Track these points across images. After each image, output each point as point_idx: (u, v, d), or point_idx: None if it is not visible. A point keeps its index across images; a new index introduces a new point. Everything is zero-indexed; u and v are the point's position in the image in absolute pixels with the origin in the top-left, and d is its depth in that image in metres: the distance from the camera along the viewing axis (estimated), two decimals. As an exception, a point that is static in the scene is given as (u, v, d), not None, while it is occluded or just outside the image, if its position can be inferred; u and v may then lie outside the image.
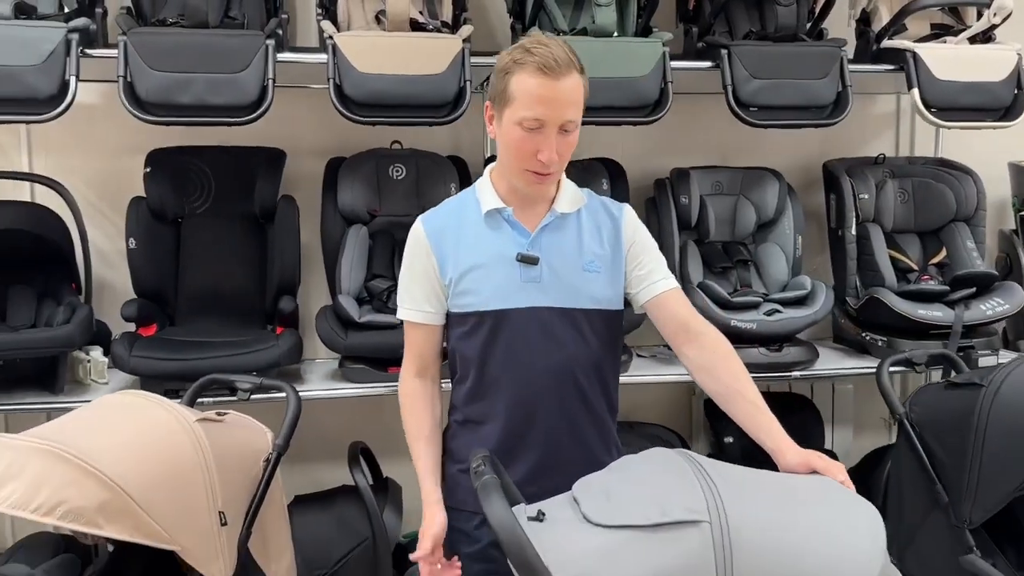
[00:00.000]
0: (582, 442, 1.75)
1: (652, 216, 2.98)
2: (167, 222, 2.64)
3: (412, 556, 1.76)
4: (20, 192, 2.71)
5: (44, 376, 2.38)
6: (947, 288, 2.72)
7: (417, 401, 1.83)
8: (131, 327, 2.52)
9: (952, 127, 2.75)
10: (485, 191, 1.78)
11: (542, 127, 1.62)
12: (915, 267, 2.92)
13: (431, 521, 1.76)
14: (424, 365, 1.83)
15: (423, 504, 1.78)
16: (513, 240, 1.74)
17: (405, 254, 1.81)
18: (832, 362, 2.86)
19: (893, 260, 2.91)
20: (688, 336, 1.71)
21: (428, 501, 1.77)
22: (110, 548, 2.08)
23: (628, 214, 1.85)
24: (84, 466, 1.60)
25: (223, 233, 2.68)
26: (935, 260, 2.94)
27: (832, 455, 2.99)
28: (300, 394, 2.13)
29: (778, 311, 2.68)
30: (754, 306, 2.68)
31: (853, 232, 2.89)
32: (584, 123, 2.57)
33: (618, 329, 1.82)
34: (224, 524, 1.78)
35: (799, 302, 2.73)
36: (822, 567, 1.19)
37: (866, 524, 1.29)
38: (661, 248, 2.88)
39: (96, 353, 2.51)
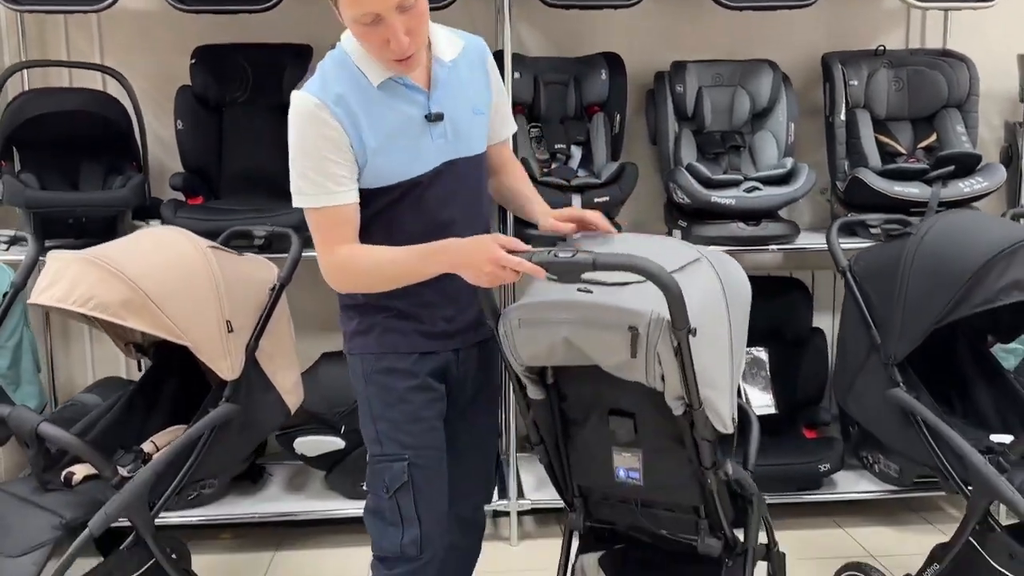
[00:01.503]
0: None
1: (650, 106, 3.19)
2: (210, 109, 3.03)
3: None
4: (94, 85, 3.14)
5: (106, 235, 2.80)
6: (926, 167, 2.84)
7: (362, 247, 1.72)
8: (180, 197, 2.94)
9: (930, 8, 2.84)
10: (364, 61, 1.68)
11: (379, 19, 1.57)
12: (903, 151, 3.04)
13: (477, 239, 1.61)
14: (353, 238, 1.73)
15: (456, 252, 1.62)
16: (415, 102, 1.72)
17: (303, 133, 1.67)
18: (819, 241, 3.02)
19: (882, 145, 3.04)
20: (504, 169, 1.98)
21: (454, 243, 1.64)
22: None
23: (487, 51, 1.88)
24: (111, 270, 2.00)
25: (259, 121, 3.05)
26: (924, 144, 3.04)
27: (821, 333, 3.18)
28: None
29: (757, 188, 2.86)
30: (735, 184, 2.87)
31: (842, 117, 3.03)
32: (568, 7, 2.86)
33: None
34: (231, 331, 2.16)
35: (780, 181, 2.90)
36: (741, 282, 1.76)
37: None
38: (657, 135, 3.15)
39: (155, 223, 2.93)
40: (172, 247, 2.14)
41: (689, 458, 1.69)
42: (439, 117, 1.73)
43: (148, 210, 2.92)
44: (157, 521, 2.77)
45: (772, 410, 3.18)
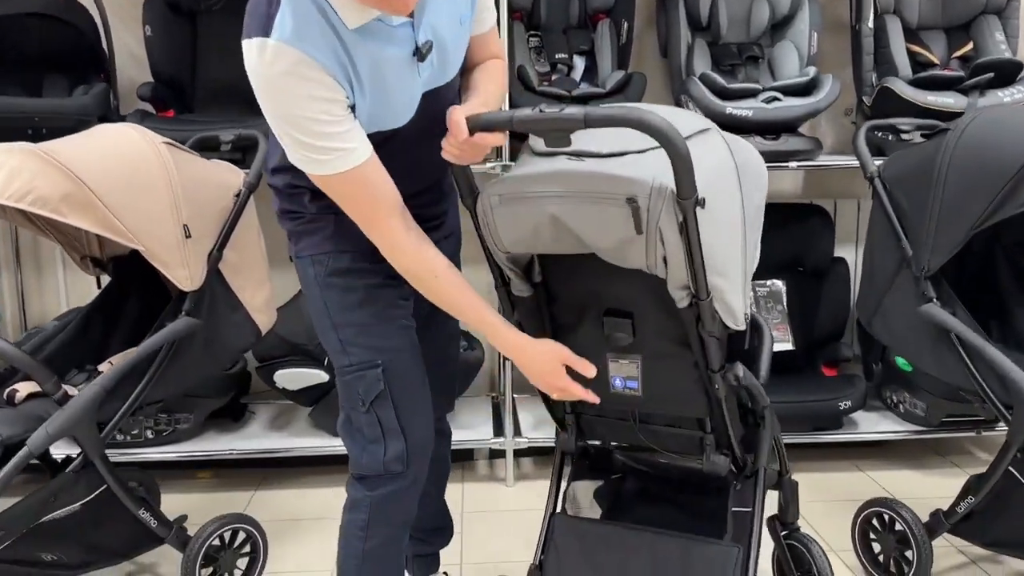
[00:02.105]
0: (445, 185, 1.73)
1: (661, 15, 2.94)
2: (183, 15, 2.81)
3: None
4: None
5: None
6: (961, 75, 2.59)
7: (442, 261, 1.50)
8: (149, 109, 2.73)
9: None
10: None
11: None
12: (936, 61, 2.78)
13: (545, 352, 1.52)
14: (396, 204, 1.46)
15: (523, 363, 1.52)
16: (399, 40, 1.41)
17: (285, 100, 1.34)
18: (843, 160, 2.78)
19: (913, 55, 2.79)
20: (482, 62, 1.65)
21: (525, 346, 1.52)
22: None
23: None
24: (52, 161, 1.79)
25: (237, 29, 2.78)
26: (959, 53, 2.78)
27: (844, 263, 2.96)
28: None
29: (777, 99, 2.62)
30: (752, 94, 2.63)
31: (870, 25, 2.77)
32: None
33: None
34: (188, 236, 1.95)
35: (802, 91, 2.66)
36: (757, 162, 1.60)
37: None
38: (667, 46, 2.90)
39: (125, 140, 2.73)
40: (122, 140, 1.93)
41: (695, 362, 1.48)
42: (428, 49, 1.43)
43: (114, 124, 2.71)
44: (129, 457, 2.65)
45: (789, 346, 2.96)
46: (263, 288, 2.20)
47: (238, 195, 2.08)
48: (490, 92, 1.54)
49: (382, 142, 1.46)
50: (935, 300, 1.97)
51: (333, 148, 1.38)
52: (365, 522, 1.62)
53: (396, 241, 1.47)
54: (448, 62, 1.50)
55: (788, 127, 2.65)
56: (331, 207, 1.51)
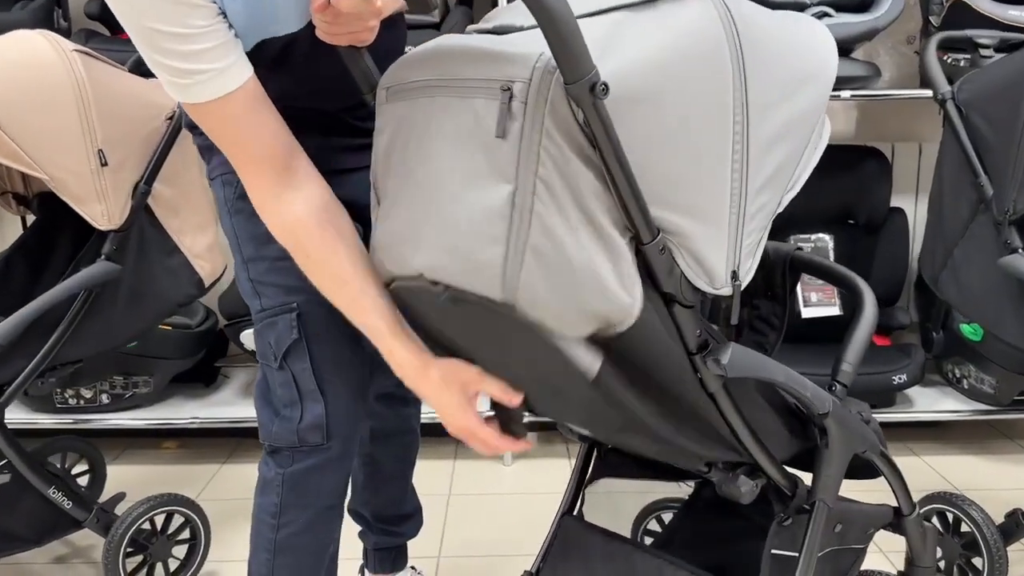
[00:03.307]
0: None
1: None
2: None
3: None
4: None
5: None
6: (1055, -16, 2.16)
7: (318, 227, 1.13)
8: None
9: None
10: None
11: None
12: (1021, -28, 2.34)
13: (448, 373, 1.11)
14: (287, 158, 1.13)
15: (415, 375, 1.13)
16: None
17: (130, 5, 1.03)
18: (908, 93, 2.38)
19: (993, -36, 2.35)
20: None
21: (416, 364, 1.12)
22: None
23: None
24: (-74, 68, 1.48)
25: None
26: (1050, -38, 2.34)
27: (902, 215, 2.57)
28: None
29: (828, 15, 2.22)
30: (798, 9, 2.23)
31: (941, -71, 2.34)
32: None
33: None
34: (105, 164, 1.63)
35: (857, 6, 2.25)
36: (805, 43, 1.08)
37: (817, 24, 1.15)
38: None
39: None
40: (23, 47, 1.61)
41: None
42: None
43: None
44: (83, 425, 2.38)
45: (836, 311, 2.59)
46: (206, 232, 1.88)
47: (171, 118, 1.76)
48: None
49: (280, 53, 1.15)
50: (1021, 250, 1.59)
51: (192, 70, 1.07)
52: (277, 506, 1.31)
53: (262, 200, 1.15)
54: None
55: (841, 49, 2.22)
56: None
